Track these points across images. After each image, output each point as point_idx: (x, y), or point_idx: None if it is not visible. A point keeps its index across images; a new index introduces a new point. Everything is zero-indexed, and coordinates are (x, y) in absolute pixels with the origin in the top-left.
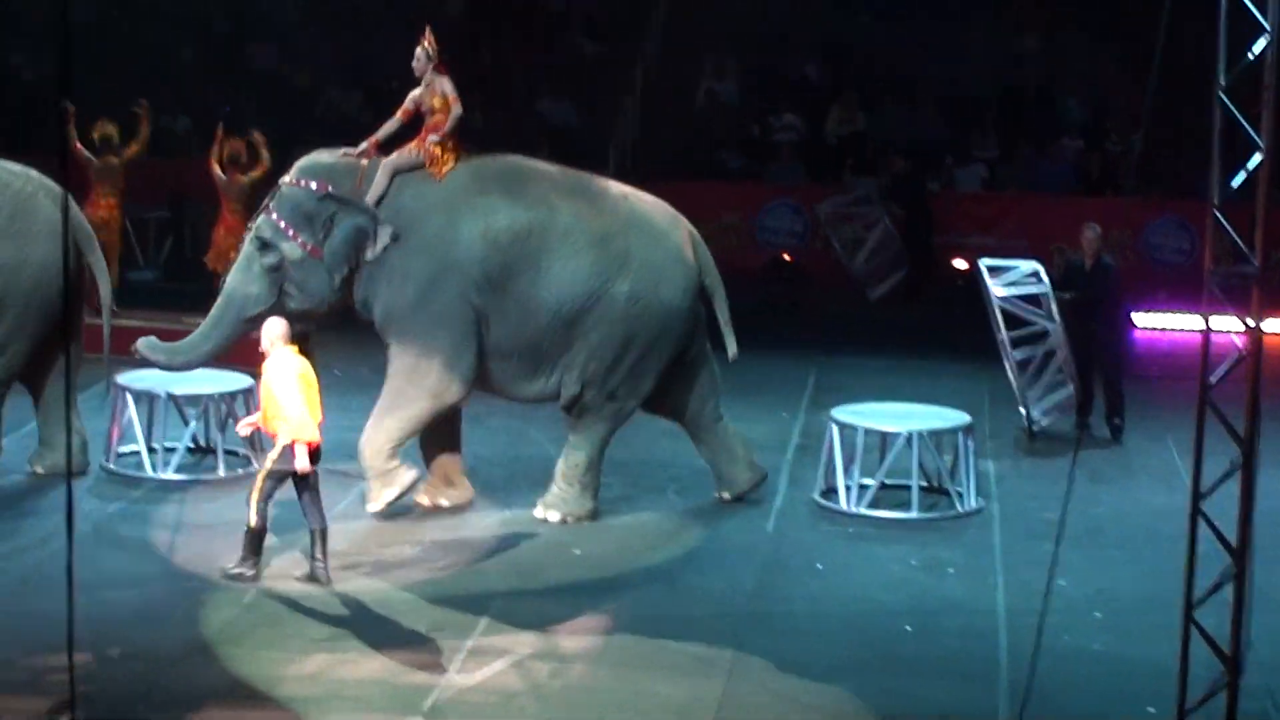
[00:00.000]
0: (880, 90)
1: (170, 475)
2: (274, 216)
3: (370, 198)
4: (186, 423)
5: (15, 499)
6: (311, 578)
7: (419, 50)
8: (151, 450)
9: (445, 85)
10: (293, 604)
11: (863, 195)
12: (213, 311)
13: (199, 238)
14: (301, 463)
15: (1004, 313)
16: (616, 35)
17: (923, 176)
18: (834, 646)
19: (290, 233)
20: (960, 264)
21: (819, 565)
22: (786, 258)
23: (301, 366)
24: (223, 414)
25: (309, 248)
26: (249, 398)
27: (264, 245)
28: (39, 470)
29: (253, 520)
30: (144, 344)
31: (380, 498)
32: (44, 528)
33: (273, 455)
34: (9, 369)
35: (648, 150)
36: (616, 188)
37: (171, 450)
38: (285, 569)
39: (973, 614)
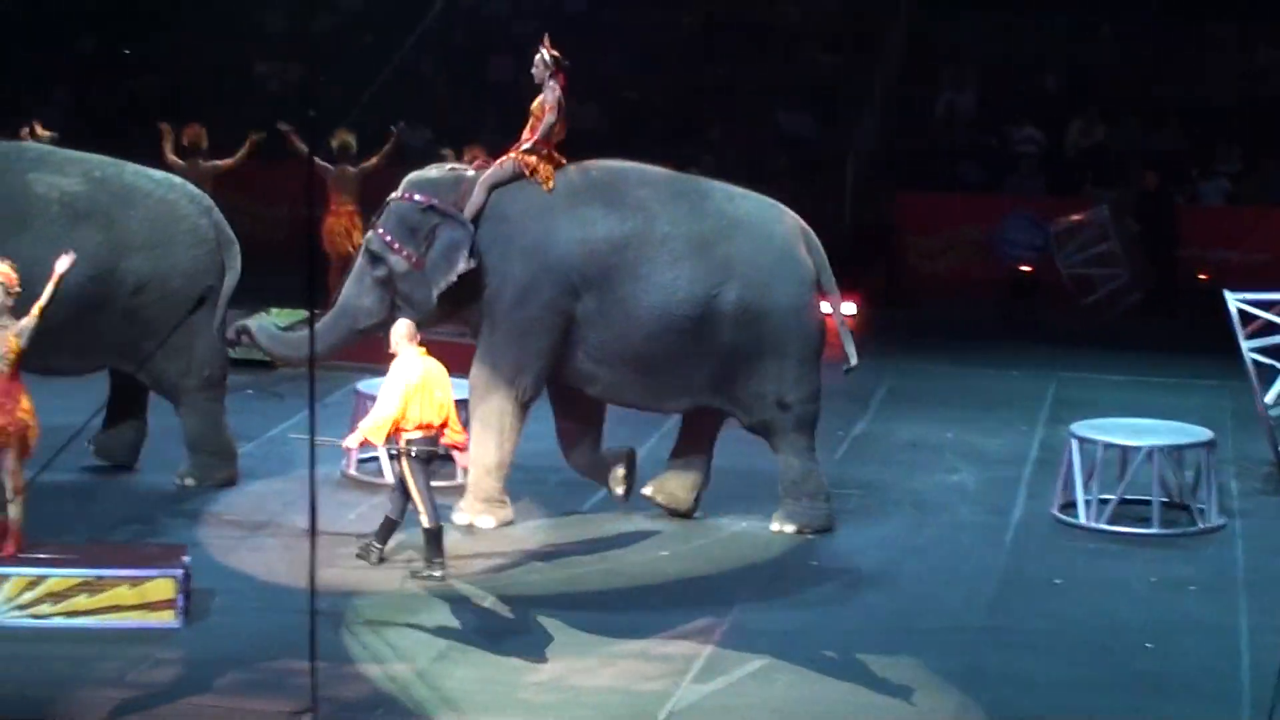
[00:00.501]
0: (1121, 103)
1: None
2: (380, 231)
3: (468, 213)
4: None
5: (258, 506)
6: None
7: (537, 57)
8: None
9: (549, 94)
10: (531, 609)
11: (1097, 219)
12: (326, 318)
13: None
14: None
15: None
16: (854, 47)
17: (1171, 191)
18: (1072, 663)
19: (395, 246)
20: (1203, 277)
21: (1057, 580)
22: (1026, 270)
23: (426, 368)
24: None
25: (413, 260)
26: None
27: (373, 259)
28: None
29: (426, 521)
30: (258, 328)
31: (476, 519)
32: (285, 533)
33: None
34: (205, 364)
35: (885, 162)
36: (723, 189)
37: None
38: (519, 575)
39: (1215, 632)
